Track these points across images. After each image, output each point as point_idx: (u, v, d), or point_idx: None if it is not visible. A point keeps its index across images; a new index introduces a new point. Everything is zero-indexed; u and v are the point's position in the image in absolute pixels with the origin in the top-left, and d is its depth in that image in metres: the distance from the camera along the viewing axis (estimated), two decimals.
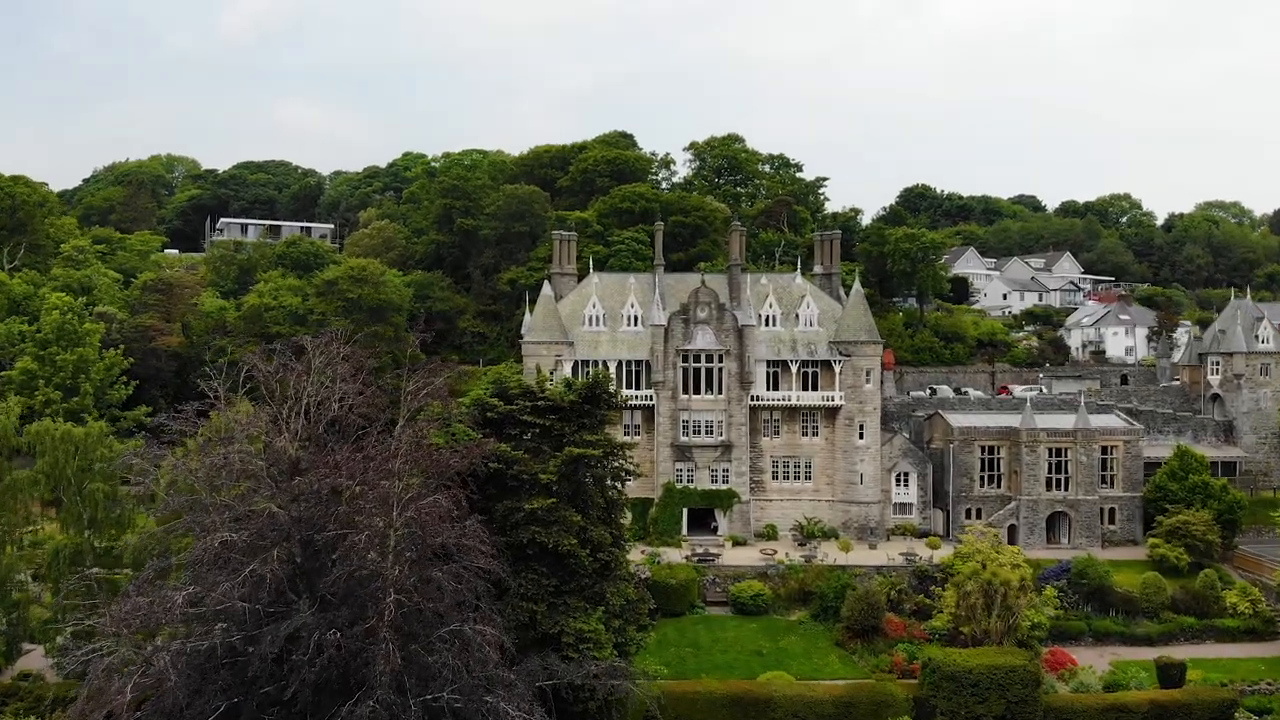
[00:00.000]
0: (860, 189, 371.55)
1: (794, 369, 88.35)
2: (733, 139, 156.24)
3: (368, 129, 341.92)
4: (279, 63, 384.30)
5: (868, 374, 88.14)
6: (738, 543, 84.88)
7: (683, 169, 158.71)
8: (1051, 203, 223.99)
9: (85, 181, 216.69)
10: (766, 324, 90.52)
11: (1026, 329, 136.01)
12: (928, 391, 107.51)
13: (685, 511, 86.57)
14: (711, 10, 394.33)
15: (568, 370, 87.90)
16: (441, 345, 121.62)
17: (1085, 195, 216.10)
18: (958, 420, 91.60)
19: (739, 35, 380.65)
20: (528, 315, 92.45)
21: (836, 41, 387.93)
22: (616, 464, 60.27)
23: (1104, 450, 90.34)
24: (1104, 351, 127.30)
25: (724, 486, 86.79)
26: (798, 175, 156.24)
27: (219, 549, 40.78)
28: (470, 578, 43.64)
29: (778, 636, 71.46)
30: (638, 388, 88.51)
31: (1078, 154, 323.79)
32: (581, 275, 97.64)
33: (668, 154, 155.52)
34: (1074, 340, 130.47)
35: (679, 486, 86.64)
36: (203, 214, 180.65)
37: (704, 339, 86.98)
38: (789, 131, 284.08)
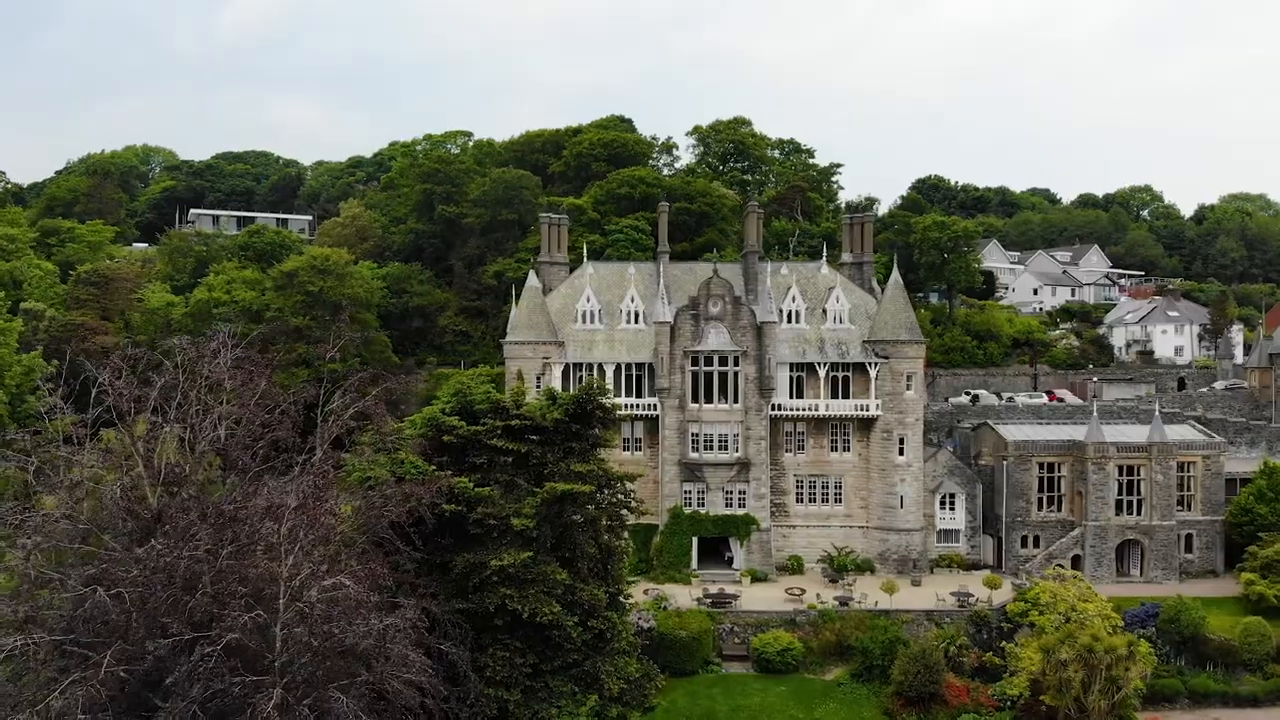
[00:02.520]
0: (860, 189, 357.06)
1: (822, 373, 73.86)
2: (740, 122, 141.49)
3: (367, 128, 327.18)
4: (276, 63, 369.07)
5: (909, 379, 73.60)
6: (757, 578, 70.37)
7: (686, 155, 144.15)
8: (1066, 196, 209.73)
9: (58, 174, 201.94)
10: (789, 320, 76.00)
11: (1062, 326, 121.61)
12: (968, 398, 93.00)
13: (695, 541, 72.00)
14: (707, 9, 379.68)
15: (557, 374, 73.42)
16: (419, 345, 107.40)
17: (1098, 189, 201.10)
18: (1012, 433, 77.06)
19: (735, 35, 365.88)
20: (514, 311, 77.87)
21: (834, 42, 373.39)
22: (615, 498, 45.93)
23: (1180, 467, 75.92)
24: (1152, 351, 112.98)
25: (740, 511, 72.24)
26: (810, 161, 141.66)
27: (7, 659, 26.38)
28: (400, 688, 29.17)
29: (813, 703, 56.94)
30: (639, 395, 74.00)
31: (1083, 151, 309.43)
32: (574, 266, 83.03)
33: (669, 138, 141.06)
34: (1117, 339, 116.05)
35: (688, 511, 72.08)
36: (177, 206, 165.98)
37: (716, 338, 72.45)
38: (789, 129, 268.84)
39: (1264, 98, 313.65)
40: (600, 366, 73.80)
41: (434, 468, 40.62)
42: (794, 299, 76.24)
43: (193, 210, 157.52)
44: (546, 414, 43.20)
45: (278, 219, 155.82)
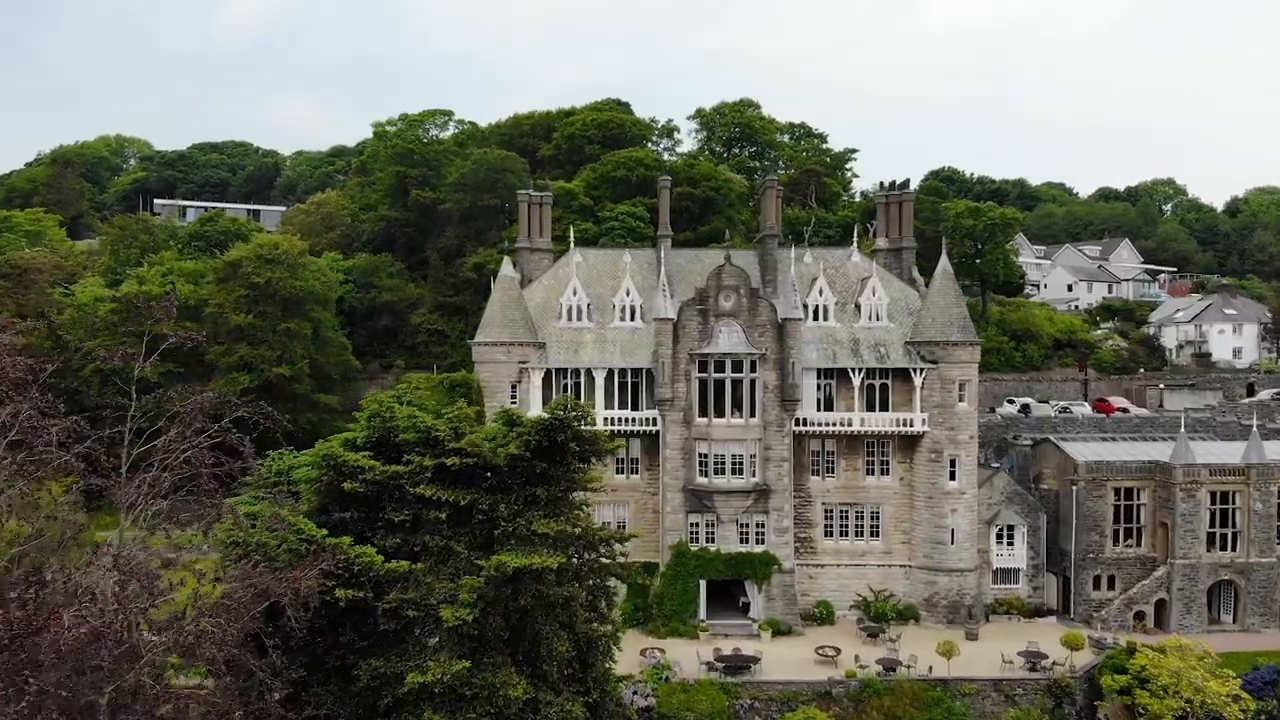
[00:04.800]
0: (862, 185, 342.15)
1: (856, 380, 60.04)
2: (746, 104, 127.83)
3: (365, 128, 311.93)
4: (276, 63, 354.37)
5: (961, 387, 59.75)
6: (779, 631, 56.57)
7: (688, 141, 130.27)
8: (1082, 191, 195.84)
9: (28, 165, 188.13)
10: (815, 317, 62.25)
11: (1104, 326, 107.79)
12: (1015, 407, 79.15)
13: (703, 585, 58.18)
14: (707, 9, 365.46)
15: (537, 382, 59.63)
16: (389, 346, 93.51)
17: (1113, 184, 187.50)
18: (1080, 451, 63.28)
19: (735, 34, 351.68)
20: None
21: (834, 41, 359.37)
22: (599, 562, 32.11)
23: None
24: (1209, 353, 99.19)
25: (758, 548, 58.43)
26: (823, 147, 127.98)
27: None
28: None
29: None
30: (635, 407, 60.28)
31: (1084, 149, 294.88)
32: (561, 256, 69.11)
33: (670, 120, 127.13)
34: (1167, 339, 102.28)
35: (694, 549, 58.28)
36: (142, 198, 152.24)
37: (729, 338, 58.65)
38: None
39: (1266, 95, 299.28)
40: (589, 372, 60.10)
41: (325, 533, 26.77)
42: (821, 292, 62.47)
43: (157, 201, 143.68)
44: (499, 448, 29.37)
45: (249, 210, 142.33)
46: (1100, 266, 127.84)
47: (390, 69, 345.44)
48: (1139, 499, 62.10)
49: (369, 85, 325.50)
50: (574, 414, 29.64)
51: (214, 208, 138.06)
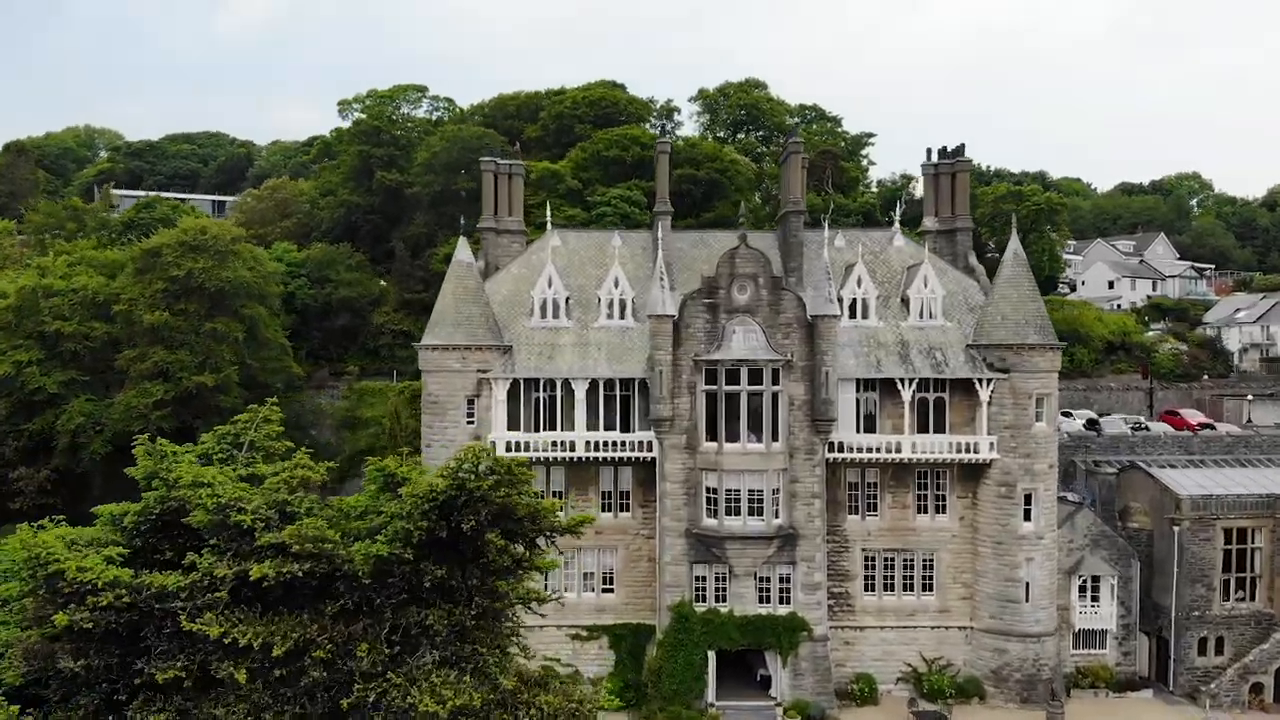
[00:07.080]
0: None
1: (905, 394, 46.64)
2: (753, 84, 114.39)
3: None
4: (277, 65, 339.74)
5: (1039, 403, 46.34)
6: (809, 716, 43.21)
7: (689, 126, 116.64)
8: (1101, 186, 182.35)
9: None
10: (853, 314, 48.86)
11: (1154, 327, 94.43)
12: (1079, 422, 65.68)
13: (713, 656, 44.77)
14: (707, 10, 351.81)
15: (500, 397, 46.31)
16: (348, 349, 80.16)
17: (1133, 178, 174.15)
18: (1181, 482, 49.87)
19: (734, 36, 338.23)
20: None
21: (834, 42, 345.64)
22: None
23: None
24: (1278, 358, 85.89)
25: (782, 610, 45.04)
26: (837, 130, 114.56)
27: None
28: None
29: None
30: (626, 428, 46.92)
31: (1092, 148, 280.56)
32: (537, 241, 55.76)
33: (670, 100, 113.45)
34: (1230, 342, 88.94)
35: (701, 610, 44.88)
36: (97, 189, 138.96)
37: (745, 341, 45.27)
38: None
39: (1268, 95, 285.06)
40: (566, 384, 46.77)
41: (15, 710, 13.40)
42: (859, 282, 49.09)
43: (113, 192, 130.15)
44: (359, 541, 15.96)
45: (214, 202, 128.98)
46: (1141, 262, 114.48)
47: (391, 69, 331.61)
48: (1253, 542, 48.87)
49: (369, 86, 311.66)
50: (493, 480, 16.35)
51: (177, 199, 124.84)
